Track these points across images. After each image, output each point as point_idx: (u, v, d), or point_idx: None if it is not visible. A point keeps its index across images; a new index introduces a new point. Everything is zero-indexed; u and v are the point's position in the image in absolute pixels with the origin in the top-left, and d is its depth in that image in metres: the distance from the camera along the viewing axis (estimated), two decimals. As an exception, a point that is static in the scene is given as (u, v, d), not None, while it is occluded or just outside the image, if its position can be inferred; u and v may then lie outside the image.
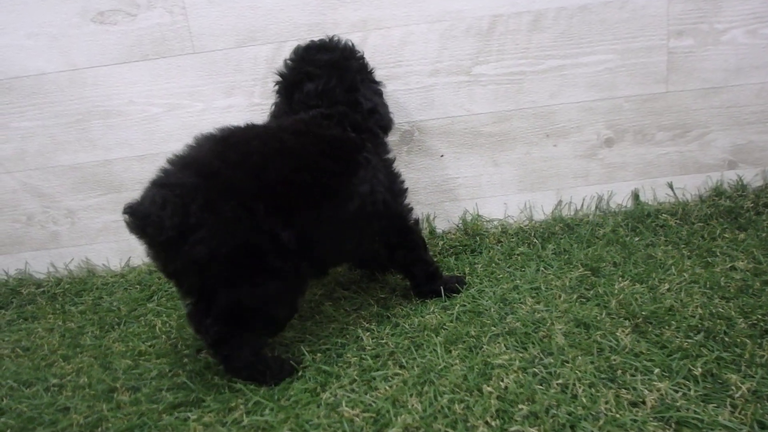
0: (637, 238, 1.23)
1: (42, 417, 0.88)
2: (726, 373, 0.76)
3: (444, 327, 0.98)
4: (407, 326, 1.00)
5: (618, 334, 0.86)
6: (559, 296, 1.03)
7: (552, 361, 0.82)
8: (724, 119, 1.34)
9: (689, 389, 0.74)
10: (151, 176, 0.91)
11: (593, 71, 1.32)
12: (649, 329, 0.87)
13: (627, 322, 0.90)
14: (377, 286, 1.20)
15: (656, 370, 0.77)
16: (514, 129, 1.35)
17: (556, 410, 0.70)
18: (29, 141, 1.37)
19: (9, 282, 1.40)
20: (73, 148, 1.37)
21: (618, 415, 0.68)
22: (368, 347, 0.95)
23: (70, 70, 1.33)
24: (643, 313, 0.91)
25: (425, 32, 1.30)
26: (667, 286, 1.00)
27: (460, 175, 1.39)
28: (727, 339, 0.84)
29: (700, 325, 0.88)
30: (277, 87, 1.17)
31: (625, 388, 0.74)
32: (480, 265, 1.21)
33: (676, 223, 1.27)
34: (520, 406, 0.73)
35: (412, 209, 1.12)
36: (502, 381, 0.79)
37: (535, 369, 0.81)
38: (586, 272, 1.10)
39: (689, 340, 0.84)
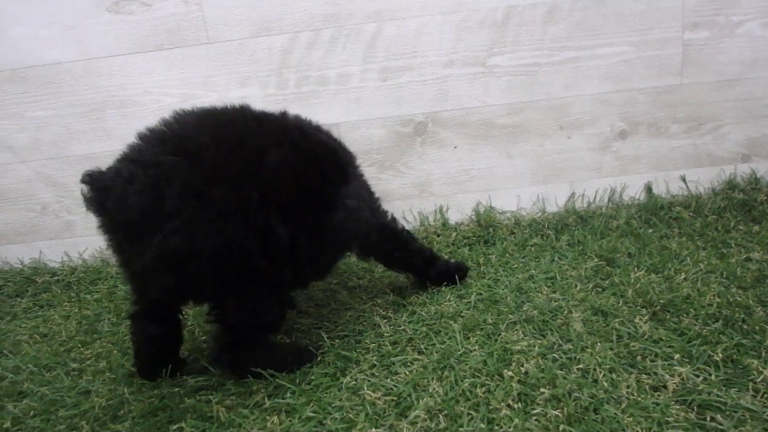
0: (651, 230, 1.23)
1: (64, 400, 0.88)
2: (746, 359, 0.76)
3: (461, 315, 0.98)
4: (424, 314, 1.00)
5: (636, 321, 0.86)
6: (575, 285, 1.03)
7: (571, 347, 0.82)
8: (738, 112, 1.34)
9: (710, 374, 0.74)
10: None
11: (608, 63, 1.32)
12: (667, 317, 0.87)
13: (644, 311, 0.90)
14: (392, 276, 1.20)
15: (676, 356, 0.77)
16: (528, 121, 1.35)
17: (578, 393, 0.70)
18: (44, 130, 1.37)
19: (24, 270, 1.41)
20: (88, 138, 1.38)
21: (640, 399, 0.68)
22: (386, 334, 0.95)
23: (85, 59, 1.33)
24: (661, 301, 0.91)
25: (440, 23, 1.30)
26: (683, 276, 1.00)
27: (473, 167, 1.39)
28: (745, 326, 0.84)
29: (717, 314, 0.87)
30: None
31: (646, 374, 0.74)
32: (494, 256, 1.21)
33: (689, 215, 1.27)
34: (542, 389, 0.73)
35: (386, 211, 1.08)
36: (522, 366, 0.79)
37: (554, 355, 0.81)
38: (600, 263, 1.10)
39: (708, 328, 0.84)
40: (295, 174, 0.84)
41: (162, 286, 0.79)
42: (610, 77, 1.33)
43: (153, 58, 1.34)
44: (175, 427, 0.77)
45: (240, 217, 0.77)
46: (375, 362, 0.86)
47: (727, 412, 0.66)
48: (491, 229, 1.33)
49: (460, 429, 0.68)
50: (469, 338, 0.89)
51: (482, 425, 0.68)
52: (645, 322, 0.86)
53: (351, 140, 1.33)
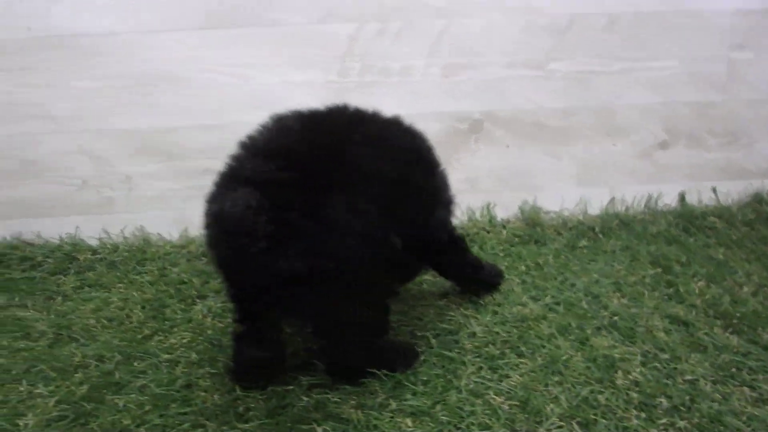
0: (691, 239, 1.32)
1: (171, 394, 0.88)
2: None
3: (545, 318, 1.03)
4: (506, 314, 1.05)
5: (716, 332, 0.95)
6: (643, 293, 1.10)
7: (667, 356, 0.89)
8: (772, 130, 1.45)
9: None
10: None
11: (657, 76, 1.39)
12: (744, 329, 0.96)
13: (719, 322, 0.99)
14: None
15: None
16: (578, 126, 1.41)
17: (698, 404, 0.77)
18: (88, 102, 1.31)
19: (63, 246, 1.36)
20: (135, 112, 1.33)
21: (756, 412, 0.76)
22: (479, 334, 0.99)
23: (139, 31, 1.27)
24: (737, 314, 0.99)
25: (506, 24, 1.33)
26: (746, 288, 1.09)
27: (522, 166, 1.44)
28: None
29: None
30: None
31: (748, 386, 0.82)
32: (550, 256, 1.27)
33: (723, 226, 1.37)
34: (659, 399, 0.80)
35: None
36: (629, 374, 0.85)
37: (655, 364, 0.88)
38: (656, 270, 1.18)
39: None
40: (407, 183, 0.84)
41: (278, 307, 0.80)
42: (657, 89, 1.40)
43: (211, 35, 1.29)
44: (306, 427, 0.79)
45: (360, 234, 0.74)
46: (481, 364, 0.91)
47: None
48: (539, 229, 1.38)
49: None
50: (561, 343, 0.95)
51: None
52: (730, 334, 0.94)
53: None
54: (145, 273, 1.29)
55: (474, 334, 1.00)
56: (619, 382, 0.84)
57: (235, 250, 0.72)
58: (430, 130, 1.38)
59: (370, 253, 0.75)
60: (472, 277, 1.10)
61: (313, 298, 0.77)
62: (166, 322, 1.11)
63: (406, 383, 0.87)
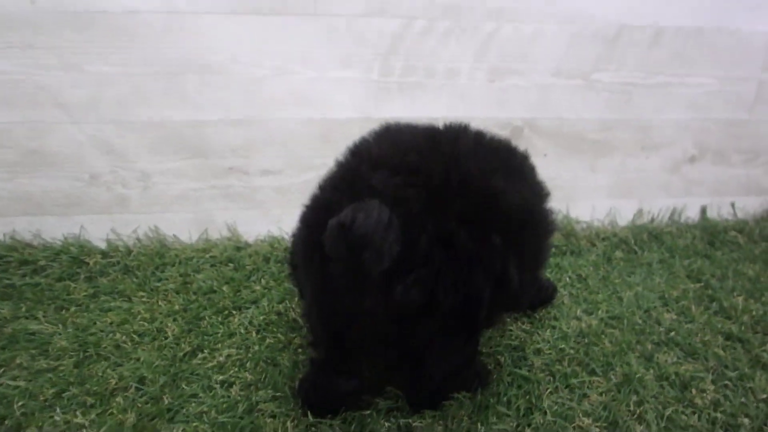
0: (718, 252, 1.36)
1: (236, 421, 0.80)
2: None
3: (603, 333, 1.03)
4: (565, 329, 1.04)
5: (773, 350, 0.98)
6: (690, 308, 1.12)
7: (735, 374, 0.91)
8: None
9: None
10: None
11: (694, 92, 1.40)
12: (798, 347, 1.00)
13: (769, 338, 1.02)
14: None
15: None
16: (616, 138, 1.41)
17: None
18: (107, 88, 1.17)
19: (69, 249, 1.21)
20: (159, 103, 1.20)
21: None
22: (545, 351, 0.97)
23: (169, 12, 1.14)
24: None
25: (556, 32, 1.29)
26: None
27: (558, 176, 1.42)
28: None
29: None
30: None
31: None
32: (591, 268, 1.27)
33: (743, 240, 1.42)
34: (740, 419, 0.81)
35: None
36: (704, 393, 0.86)
37: (725, 382, 0.89)
38: (696, 284, 1.21)
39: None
40: (530, 213, 0.77)
41: (375, 336, 0.72)
42: (692, 105, 1.41)
43: (248, 22, 1.18)
44: None
45: (483, 267, 0.68)
46: (557, 383, 0.89)
47: None
48: (573, 239, 1.38)
49: None
50: (630, 360, 0.95)
51: None
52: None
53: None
54: (167, 280, 1.18)
55: (540, 351, 0.98)
56: (698, 401, 0.85)
57: (355, 267, 0.63)
58: (470, 135, 1.36)
59: (492, 290, 0.70)
60: (535, 294, 1.07)
61: (419, 331, 0.71)
62: (206, 338, 1.02)
63: (488, 405, 0.84)
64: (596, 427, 0.81)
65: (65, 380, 0.91)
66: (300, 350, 0.98)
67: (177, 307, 1.10)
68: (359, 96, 1.27)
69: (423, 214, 0.65)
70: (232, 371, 0.93)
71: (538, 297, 1.09)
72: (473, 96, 1.31)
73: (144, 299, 1.12)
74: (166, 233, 1.29)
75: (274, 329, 1.05)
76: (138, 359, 0.96)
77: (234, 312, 1.10)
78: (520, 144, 1.35)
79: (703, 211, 1.51)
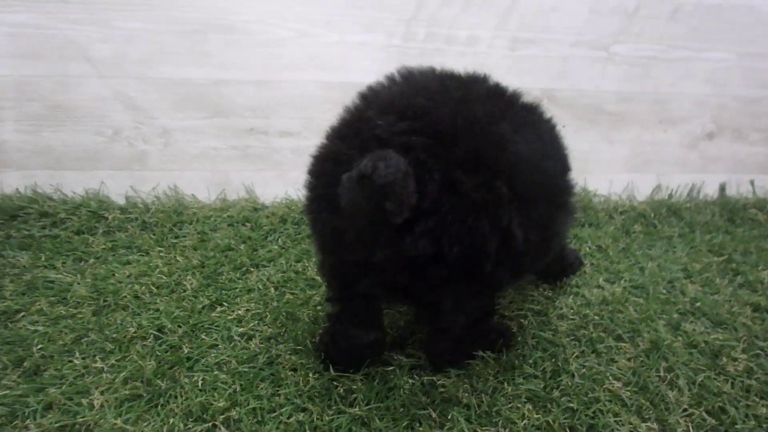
0: (739, 230, 1.35)
1: (257, 372, 0.80)
2: None
3: (626, 301, 1.02)
4: (588, 296, 1.03)
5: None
6: (714, 280, 1.11)
7: (766, 344, 0.90)
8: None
9: None
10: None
11: (712, 67, 1.40)
12: (825, 321, 0.98)
13: (798, 312, 1.01)
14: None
15: None
16: (633, 111, 1.41)
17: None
18: (133, 45, 1.18)
19: (88, 203, 1.22)
20: (183, 61, 1.21)
21: None
22: (568, 316, 0.97)
23: (195, -30, 1.16)
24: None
25: (576, 3, 1.30)
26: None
27: (575, 148, 1.40)
28: None
29: None
30: None
31: None
32: (609, 240, 1.26)
33: (764, 218, 1.41)
34: None
35: None
36: (736, 362, 0.85)
37: (757, 351, 0.88)
38: (719, 258, 1.20)
39: None
40: (541, 172, 0.73)
41: (386, 286, 0.70)
42: (711, 81, 1.41)
43: (273, -17, 1.20)
44: (422, 413, 0.74)
45: (490, 217, 0.65)
46: (584, 348, 0.88)
47: None
48: (591, 212, 1.37)
49: (735, 426, 0.73)
50: (659, 327, 0.94)
51: (752, 422, 0.73)
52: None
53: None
54: (185, 237, 1.18)
55: (563, 316, 0.97)
56: (730, 369, 0.84)
57: (374, 218, 0.61)
58: (488, 104, 1.36)
59: (492, 240, 0.66)
60: (557, 264, 1.06)
61: (430, 281, 0.69)
62: (225, 292, 1.02)
63: (514, 366, 0.83)
64: (627, 390, 0.79)
65: (84, 327, 0.91)
66: (319, 307, 0.98)
67: (195, 263, 1.10)
68: (380, 61, 1.28)
69: (429, 162, 0.62)
70: (252, 324, 0.93)
71: (561, 267, 1.08)
72: (493, 64, 1.32)
73: (162, 254, 1.12)
74: (185, 192, 1.29)
75: (293, 286, 1.05)
76: (157, 309, 0.96)
77: (252, 269, 1.10)
78: (539, 115, 1.37)
79: (722, 188, 1.50)
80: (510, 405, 0.77)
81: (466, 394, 0.78)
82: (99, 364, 0.83)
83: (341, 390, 0.79)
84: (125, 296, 0.99)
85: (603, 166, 1.44)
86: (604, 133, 1.41)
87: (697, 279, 1.12)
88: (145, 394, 0.78)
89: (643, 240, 1.28)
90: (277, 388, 0.79)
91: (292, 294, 1.02)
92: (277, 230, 1.23)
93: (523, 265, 0.76)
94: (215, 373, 0.82)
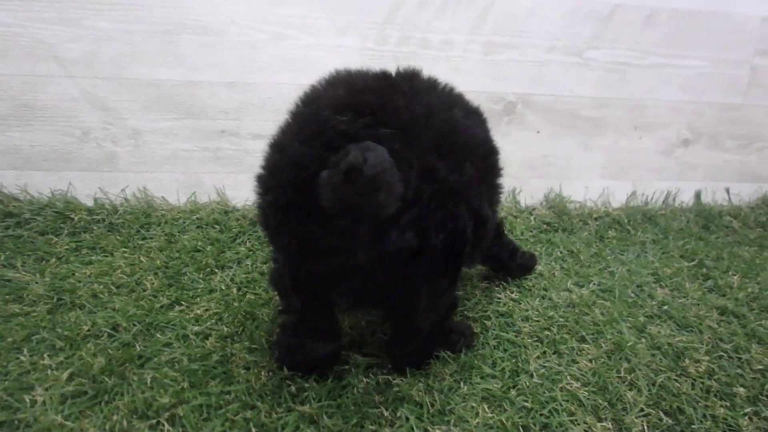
0: (713, 236, 1.34)
1: (208, 369, 0.78)
2: None
3: (594, 304, 1.00)
4: (555, 299, 1.01)
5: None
6: (684, 285, 1.09)
7: (729, 347, 0.88)
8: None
9: None
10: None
11: (687, 74, 1.40)
12: (794, 323, 0.97)
13: (766, 314, 0.99)
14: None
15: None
16: (609, 117, 1.41)
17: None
18: (103, 45, 1.17)
19: (54, 204, 1.21)
20: (155, 62, 1.20)
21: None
22: (533, 318, 0.95)
23: (167, -29, 1.16)
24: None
25: (552, 8, 1.30)
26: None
27: (551, 154, 1.41)
28: None
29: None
30: None
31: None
32: (582, 245, 1.25)
33: (738, 226, 1.40)
34: (736, 388, 0.78)
35: None
36: (699, 363, 0.83)
37: (720, 353, 0.87)
38: (690, 263, 1.19)
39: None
40: (492, 147, 0.80)
41: (361, 291, 0.69)
42: (686, 87, 1.41)
43: (246, -16, 1.19)
44: (373, 411, 0.72)
45: (465, 202, 0.66)
46: (545, 348, 0.87)
47: None
48: (565, 218, 1.36)
49: (692, 426, 0.71)
50: (622, 329, 0.92)
51: (709, 422, 0.72)
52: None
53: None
54: (151, 238, 1.17)
55: (528, 318, 0.96)
56: (691, 370, 0.82)
57: (358, 216, 0.59)
58: (463, 108, 1.36)
59: (469, 224, 0.67)
60: (509, 259, 1.06)
61: (410, 277, 0.67)
62: (186, 292, 1.00)
63: (472, 366, 0.82)
64: (585, 390, 0.78)
65: (37, 324, 0.89)
66: (281, 307, 0.96)
67: (159, 263, 1.08)
68: (353, 64, 1.24)
69: (403, 151, 0.61)
70: (209, 323, 0.91)
71: (520, 261, 1.08)
72: (467, 69, 1.31)
73: (126, 255, 1.11)
74: (155, 194, 1.28)
75: (256, 287, 1.03)
76: (113, 308, 0.94)
77: (216, 270, 1.08)
78: (513, 119, 1.37)
79: (698, 195, 1.50)
80: (464, 404, 0.75)
81: (421, 393, 0.76)
82: (47, 361, 0.81)
83: (293, 388, 0.77)
84: (82, 295, 0.97)
85: (579, 173, 1.44)
86: (580, 139, 1.41)
87: (667, 283, 1.10)
88: (90, 391, 0.75)
89: (616, 245, 1.27)
90: (227, 386, 0.77)
91: (255, 294, 1.01)
92: (246, 233, 1.22)
93: (485, 247, 0.78)
94: (164, 370, 0.80)
